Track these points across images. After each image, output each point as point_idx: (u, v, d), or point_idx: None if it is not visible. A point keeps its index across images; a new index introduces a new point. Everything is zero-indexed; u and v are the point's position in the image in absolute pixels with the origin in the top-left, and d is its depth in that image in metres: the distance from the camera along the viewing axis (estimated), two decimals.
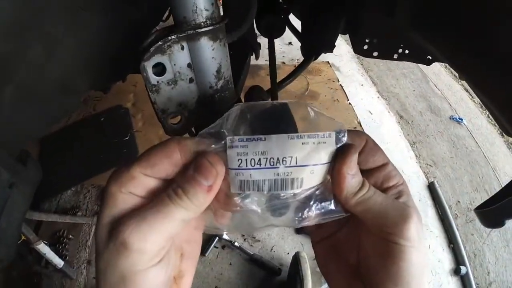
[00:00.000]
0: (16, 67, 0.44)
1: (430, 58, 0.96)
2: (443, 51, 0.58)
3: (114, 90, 1.82)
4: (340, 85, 2.04)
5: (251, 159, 0.25)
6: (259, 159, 0.25)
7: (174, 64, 0.40)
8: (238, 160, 0.25)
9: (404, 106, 2.13)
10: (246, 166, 0.25)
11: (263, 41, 0.98)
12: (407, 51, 0.88)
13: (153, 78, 0.40)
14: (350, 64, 2.26)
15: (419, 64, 2.30)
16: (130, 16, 0.58)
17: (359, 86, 2.11)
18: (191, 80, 0.43)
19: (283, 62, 2.13)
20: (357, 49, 0.86)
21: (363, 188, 0.28)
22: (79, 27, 0.50)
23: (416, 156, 1.90)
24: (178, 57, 0.40)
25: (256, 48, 0.93)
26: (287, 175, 0.26)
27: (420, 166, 1.86)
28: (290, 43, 2.37)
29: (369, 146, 0.30)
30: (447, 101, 2.28)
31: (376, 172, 0.30)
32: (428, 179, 1.81)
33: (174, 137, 0.27)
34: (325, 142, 0.27)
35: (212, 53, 0.40)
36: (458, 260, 1.59)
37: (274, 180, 0.26)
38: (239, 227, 0.29)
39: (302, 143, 0.26)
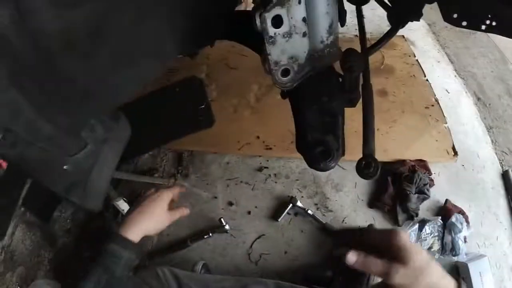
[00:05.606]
0: (111, 30, 0.46)
1: None
2: None
3: (187, 64, 1.84)
4: (417, 60, 1.93)
5: None
6: None
7: (291, 18, 0.42)
8: None
9: (482, 88, 1.98)
10: None
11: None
12: (494, 23, 0.81)
13: (271, 30, 0.42)
14: (425, 39, 2.12)
15: (497, 44, 2.10)
16: None
17: (435, 62, 1.98)
18: (304, 34, 0.44)
19: (356, 35, 2.04)
20: (447, 17, 0.82)
21: None
22: None
23: (492, 141, 1.80)
24: (295, 10, 0.41)
25: (343, 13, 0.92)
26: None
27: (496, 153, 1.76)
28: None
29: None
30: None
31: None
32: (502, 167, 1.71)
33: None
34: None
35: (327, 8, 0.41)
36: None
37: None
38: None
39: None
